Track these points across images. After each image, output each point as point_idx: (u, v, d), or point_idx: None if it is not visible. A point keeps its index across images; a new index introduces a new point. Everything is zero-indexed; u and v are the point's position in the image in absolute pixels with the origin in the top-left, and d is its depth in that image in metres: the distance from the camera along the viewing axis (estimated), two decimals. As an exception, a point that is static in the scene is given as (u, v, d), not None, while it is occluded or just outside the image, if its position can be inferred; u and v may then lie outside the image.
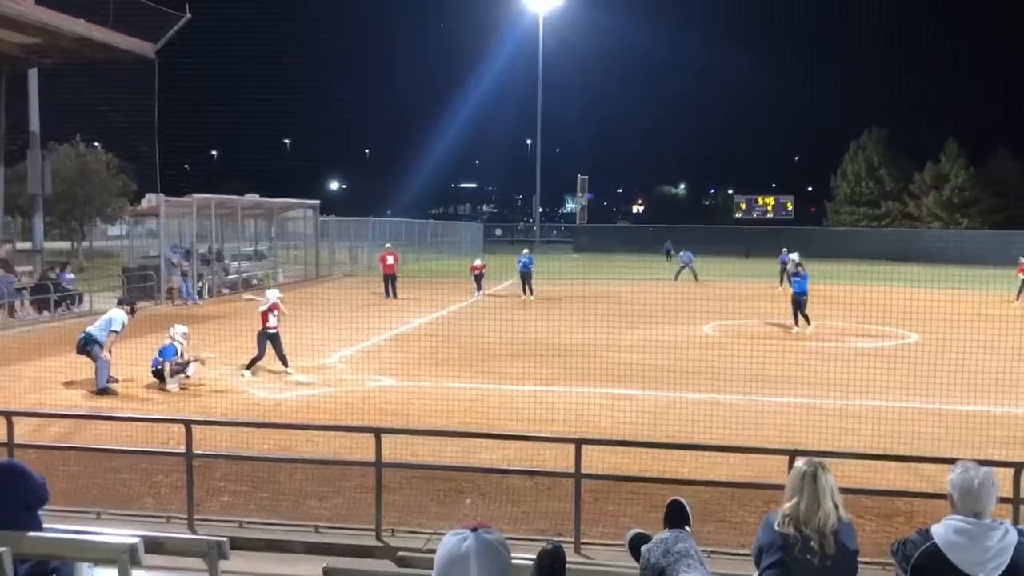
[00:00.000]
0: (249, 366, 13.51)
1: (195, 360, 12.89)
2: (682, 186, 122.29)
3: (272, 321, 13.59)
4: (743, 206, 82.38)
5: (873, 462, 7.20)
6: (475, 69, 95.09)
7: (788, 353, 14.73)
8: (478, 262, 28.83)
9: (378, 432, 6.57)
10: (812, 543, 3.68)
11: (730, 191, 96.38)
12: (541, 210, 71.95)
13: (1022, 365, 11.99)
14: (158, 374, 12.48)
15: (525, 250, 27.30)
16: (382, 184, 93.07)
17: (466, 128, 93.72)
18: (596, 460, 6.94)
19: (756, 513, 6.63)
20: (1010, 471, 5.57)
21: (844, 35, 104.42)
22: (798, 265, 19.61)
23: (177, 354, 12.63)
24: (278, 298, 13.86)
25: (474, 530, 2.05)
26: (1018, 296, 25.42)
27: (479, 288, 27.55)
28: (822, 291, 22.19)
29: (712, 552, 5.82)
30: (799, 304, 19.04)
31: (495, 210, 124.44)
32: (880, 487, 6.82)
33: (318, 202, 38.34)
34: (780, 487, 4.42)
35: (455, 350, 15.34)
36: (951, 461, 3.88)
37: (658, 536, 2.72)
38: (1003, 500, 4.40)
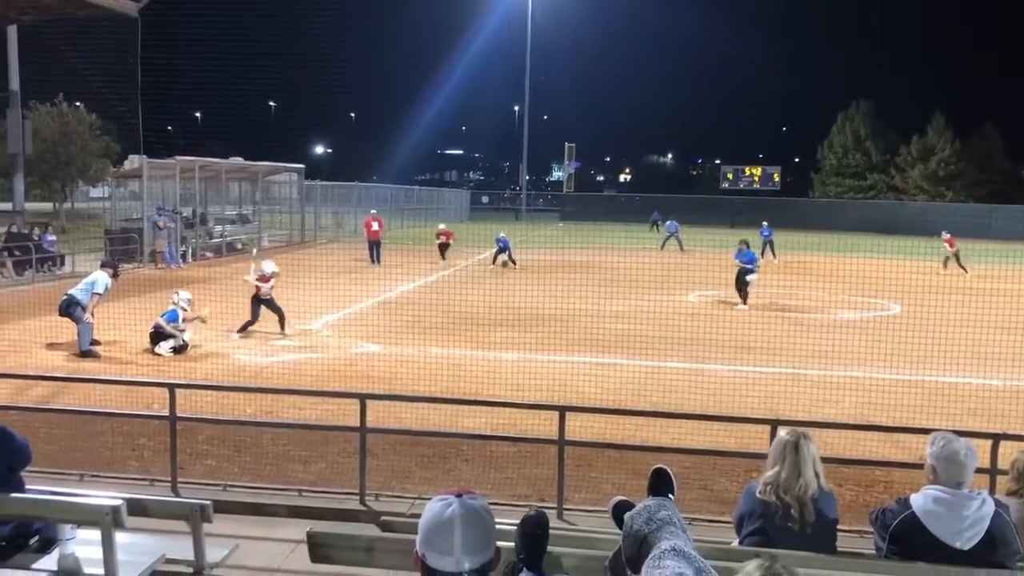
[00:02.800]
0: (242, 329, 13.56)
1: (196, 318, 12.83)
2: (669, 156, 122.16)
3: (265, 289, 13.80)
4: (730, 176, 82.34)
5: (853, 432, 7.27)
6: (464, 35, 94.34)
7: (771, 323, 14.82)
8: (443, 226, 28.51)
9: (363, 398, 6.57)
10: (792, 511, 3.72)
11: (717, 161, 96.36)
12: (528, 178, 71.66)
13: (1002, 337, 12.11)
14: (156, 336, 12.39)
15: (501, 233, 27.05)
16: (368, 149, 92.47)
17: (454, 94, 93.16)
18: (580, 427, 6.98)
19: (738, 481, 6.71)
20: (988, 442, 5.64)
21: (834, 6, 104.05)
22: (743, 243, 19.06)
23: (179, 320, 12.57)
24: (272, 272, 14.03)
25: (458, 496, 2.06)
26: (944, 266, 25.71)
27: (443, 257, 26.83)
28: (806, 262, 22.31)
29: (693, 519, 5.89)
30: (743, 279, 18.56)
31: (482, 177, 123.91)
32: (860, 456, 6.90)
33: (303, 166, 38.04)
34: (762, 456, 4.46)
35: (440, 317, 15.33)
36: (929, 432, 3.92)
37: (641, 504, 2.73)
38: (980, 470, 4.46)
